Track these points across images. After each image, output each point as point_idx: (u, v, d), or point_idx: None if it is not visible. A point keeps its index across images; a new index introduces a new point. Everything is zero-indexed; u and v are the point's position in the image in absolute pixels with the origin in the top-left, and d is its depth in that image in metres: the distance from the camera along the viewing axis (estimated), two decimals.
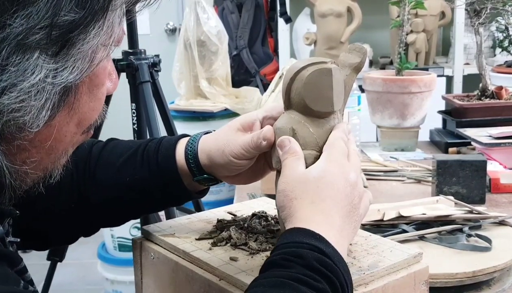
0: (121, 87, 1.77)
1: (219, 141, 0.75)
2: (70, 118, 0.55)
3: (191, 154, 0.76)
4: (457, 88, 3.02)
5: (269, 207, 0.84)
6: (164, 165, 0.76)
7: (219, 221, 0.79)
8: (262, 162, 0.76)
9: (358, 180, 0.67)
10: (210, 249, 0.72)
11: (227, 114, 2.57)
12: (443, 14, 3.04)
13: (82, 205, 0.79)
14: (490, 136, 1.57)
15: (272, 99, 2.26)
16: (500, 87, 1.81)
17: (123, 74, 1.73)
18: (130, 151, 0.79)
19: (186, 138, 0.79)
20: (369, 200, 0.69)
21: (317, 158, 0.67)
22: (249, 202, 0.91)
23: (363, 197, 0.68)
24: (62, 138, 0.57)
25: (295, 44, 3.24)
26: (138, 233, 2.24)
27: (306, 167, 0.66)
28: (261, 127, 0.74)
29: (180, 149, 0.77)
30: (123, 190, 0.78)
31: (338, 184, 0.64)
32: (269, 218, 0.79)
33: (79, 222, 0.81)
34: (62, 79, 0.51)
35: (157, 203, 0.81)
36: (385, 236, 0.86)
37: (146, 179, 0.77)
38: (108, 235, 2.48)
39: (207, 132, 0.79)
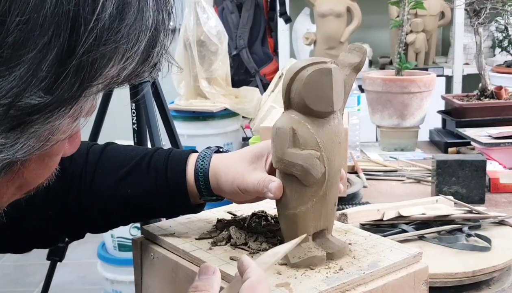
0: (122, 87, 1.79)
1: (229, 171, 0.74)
2: (11, 183, 0.48)
3: (202, 173, 0.75)
4: (457, 88, 3.02)
5: (269, 207, 0.84)
6: (174, 180, 0.75)
7: (219, 220, 0.79)
8: None
9: None
10: (210, 248, 0.73)
11: (227, 114, 2.57)
12: (442, 14, 3.05)
13: (74, 212, 0.76)
14: (489, 136, 1.58)
15: (272, 99, 2.26)
16: (500, 87, 1.82)
17: None
18: (132, 161, 0.77)
19: (196, 154, 0.77)
20: None
21: (317, 158, 0.67)
22: None
23: None
24: None
25: (295, 44, 3.24)
26: (138, 233, 2.24)
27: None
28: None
29: (190, 165, 0.76)
30: (123, 201, 0.76)
31: None
32: (269, 218, 0.79)
33: (67, 227, 0.79)
34: (8, 155, 0.43)
35: (155, 215, 0.80)
36: (384, 236, 0.87)
37: (150, 192, 0.75)
38: (108, 235, 2.47)
39: (218, 150, 0.78)
